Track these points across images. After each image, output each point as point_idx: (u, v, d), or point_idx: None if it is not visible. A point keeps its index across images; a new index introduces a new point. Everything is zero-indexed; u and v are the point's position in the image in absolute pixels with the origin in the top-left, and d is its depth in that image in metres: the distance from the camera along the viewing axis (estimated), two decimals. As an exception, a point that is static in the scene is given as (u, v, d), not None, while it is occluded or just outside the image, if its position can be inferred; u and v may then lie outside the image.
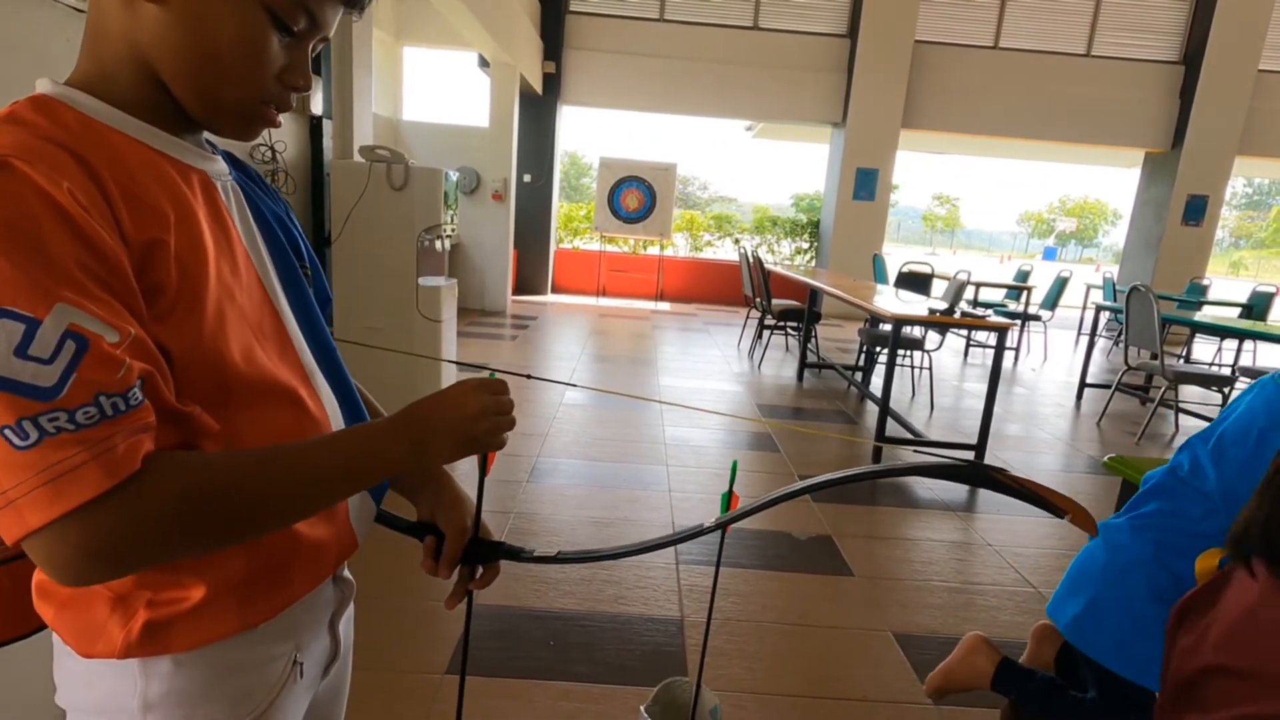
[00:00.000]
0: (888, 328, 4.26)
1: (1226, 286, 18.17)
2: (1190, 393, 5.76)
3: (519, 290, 9.47)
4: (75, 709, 0.62)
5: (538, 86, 8.83)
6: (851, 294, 4.55)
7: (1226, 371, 5.34)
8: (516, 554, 0.80)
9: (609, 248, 10.69)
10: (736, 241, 11.35)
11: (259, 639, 0.63)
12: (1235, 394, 1.53)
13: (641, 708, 1.07)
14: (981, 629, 2.22)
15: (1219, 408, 4.83)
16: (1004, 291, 9.02)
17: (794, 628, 2.17)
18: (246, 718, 0.63)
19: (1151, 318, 4.49)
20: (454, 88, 11.84)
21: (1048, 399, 5.67)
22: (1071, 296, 9.85)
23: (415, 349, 3.65)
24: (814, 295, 5.91)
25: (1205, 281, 8.32)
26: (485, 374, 0.67)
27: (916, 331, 5.35)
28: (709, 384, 5.40)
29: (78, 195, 0.47)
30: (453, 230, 3.92)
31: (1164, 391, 4.76)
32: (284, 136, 3.93)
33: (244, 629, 0.61)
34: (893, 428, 3.97)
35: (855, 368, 5.79)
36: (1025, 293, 7.58)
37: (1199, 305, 7.44)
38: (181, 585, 0.57)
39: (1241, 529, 0.81)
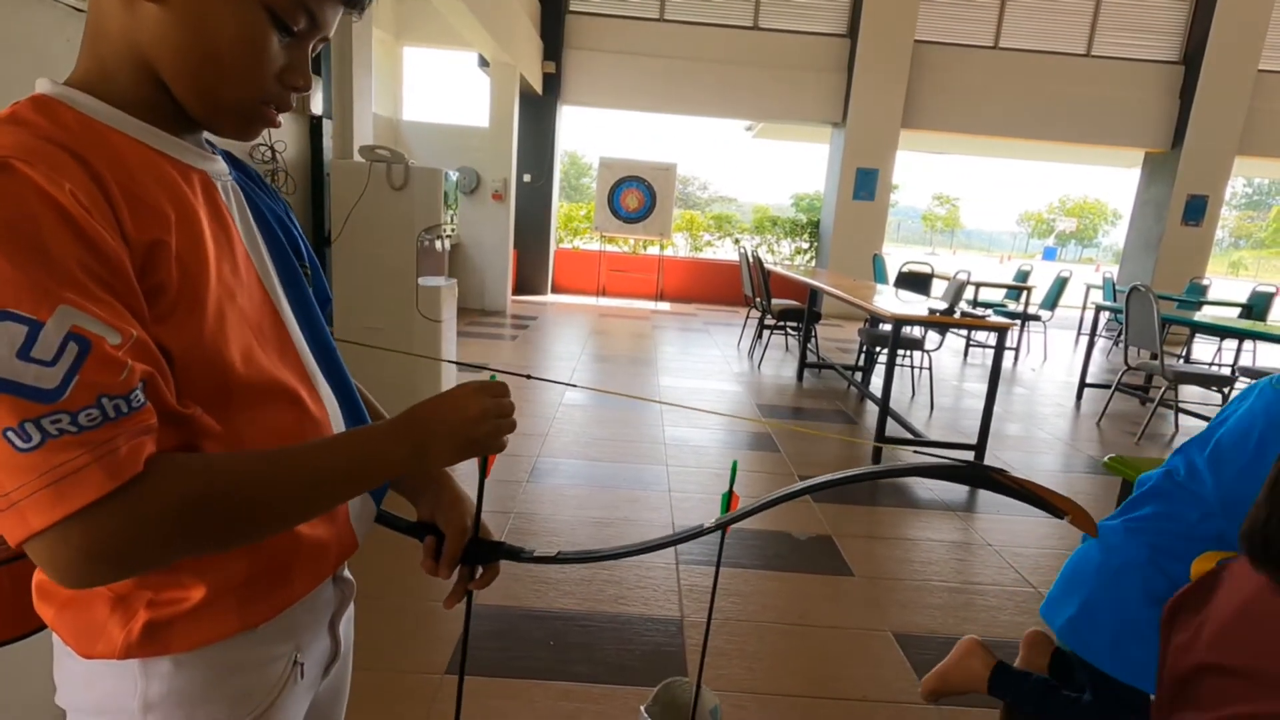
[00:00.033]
0: (888, 328, 4.26)
1: (1226, 286, 18.17)
2: (1190, 393, 5.77)
3: (519, 290, 9.47)
4: (75, 709, 0.62)
5: (538, 86, 8.82)
6: (851, 294, 4.55)
7: (1226, 371, 5.34)
8: (516, 554, 0.80)
9: (609, 248, 10.69)
10: (736, 241, 11.35)
11: (259, 639, 0.63)
12: (1235, 394, 1.53)
13: (641, 708, 1.07)
14: (981, 629, 2.22)
15: (1219, 408, 4.83)
16: (1004, 291, 9.03)
17: (794, 628, 2.17)
18: (247, 718, 0.63)
19: (1151, 318, 4.49)
20: (454, 88, 11.83)
21: (1047, 399, 5.66)
22: (1071, 296, 9.85)
23: (415, 349, 3.65)
24: (814, 295, 5.91)
25: (1205, 281, 8.32)
26: (486, 375, 0.68)
27: (916, 331, 5.35)
28: (709, 384, 5.40)
29: (79, 196, 0.47)
30: (453, 230, 3.92)
31: (1164, 391, 4.76)
32: (284, 136, 3.93)
33: (244, 629, 0.61)
34: (892, 428, 3.97)
35: (855, 368, 5.79)
36: (1025, 293, 7.58)
37: (1199, 305, 7.44)
38: (182, 586, 0.57)
39: (1248, 529, 0.81)
